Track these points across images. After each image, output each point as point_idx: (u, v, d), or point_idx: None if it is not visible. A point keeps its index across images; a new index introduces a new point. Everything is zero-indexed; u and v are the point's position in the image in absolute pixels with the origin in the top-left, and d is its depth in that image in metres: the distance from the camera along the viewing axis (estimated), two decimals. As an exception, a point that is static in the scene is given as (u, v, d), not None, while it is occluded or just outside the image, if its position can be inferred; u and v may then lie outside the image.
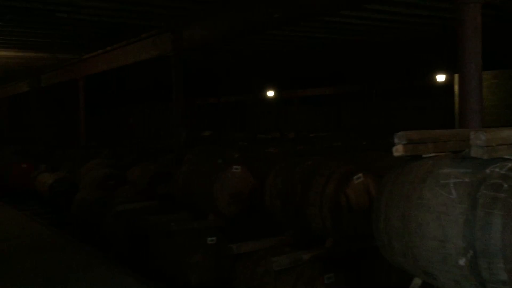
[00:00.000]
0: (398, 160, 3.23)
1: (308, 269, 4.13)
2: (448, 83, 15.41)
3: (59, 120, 26.84)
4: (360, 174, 4.47)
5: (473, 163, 2.74)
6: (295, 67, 17.63)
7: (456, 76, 8.93)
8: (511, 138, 2.79)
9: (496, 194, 2.57)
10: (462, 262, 2.63)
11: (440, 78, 17.16)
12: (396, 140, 3.01)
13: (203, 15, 8.72)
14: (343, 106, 24.23)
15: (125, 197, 7.77)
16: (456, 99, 10.29)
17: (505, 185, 2.56)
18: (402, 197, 2.96)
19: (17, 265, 6.63)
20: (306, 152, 9.73)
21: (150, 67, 13.86)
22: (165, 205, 6.92)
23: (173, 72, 9.61)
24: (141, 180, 9.06)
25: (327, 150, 10.51)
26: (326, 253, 4.40)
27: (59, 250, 7.37)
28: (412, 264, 2.97)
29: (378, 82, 20.06)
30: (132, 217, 6.54)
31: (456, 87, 10.84)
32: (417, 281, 3.12)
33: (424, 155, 3.06)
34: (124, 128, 24.71)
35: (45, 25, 9.92)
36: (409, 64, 16.61)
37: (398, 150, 3.00)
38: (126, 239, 6.61)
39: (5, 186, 13.35)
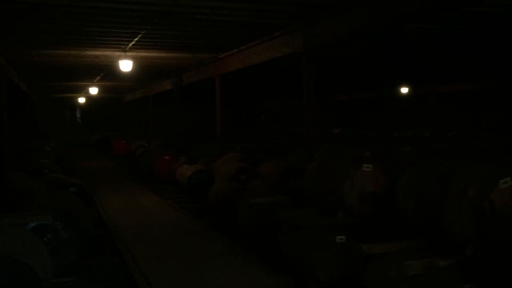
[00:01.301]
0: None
1: (446, 277, 3.90)
2: None
3: (197, 116, 28.65)
4: (508, 178, 4.09)
5: None
6: (431, 61, 16.69)
7: None
8: None
9: None
10: None
11: None
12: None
13: (335, 11, 8.64)
14: (485, 103, 22.32)
15: (256, 191, 8.04)
16: None
17: None
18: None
19: (162, 248, 7.25)
20: (443, 152, 9.18)
21: (282, 64, 14.10)
22: (295, 200, 7.02)
23: (304, 70, 9.69)
24: (272, 175, 9.32)
25: (467, 150, 9.78)
26: (465, 262, 4.11)
27: (197, 237, 7.89)
28: None
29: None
30: (264, 211, 6.74)
31: None
32: None
33: None
34: (257, 124, 25.53)
35: (186, 27, 10.58)
36: None
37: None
38: (257, 231, 6.85)
39: (151, 175, 14.67)
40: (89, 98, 31.65)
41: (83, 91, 27.69)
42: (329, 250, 5.19)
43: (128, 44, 12.39)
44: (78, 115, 35.95)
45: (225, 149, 13.88)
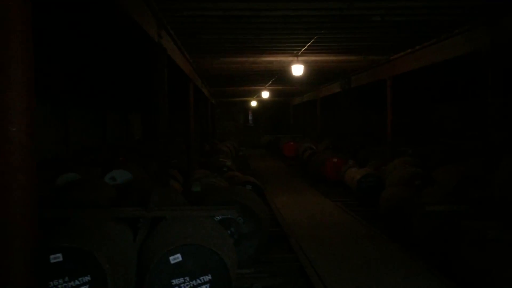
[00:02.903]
0: None
1: None
2: None
3: (363, 119, 28.22)
4: None
5: None
6: None
7: None
8: None
9: None
10: None
11: None
12: None
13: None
14: None
15: (432, 198, 7.64)
16: None
17: None
18: None
19: (333, 250, 7.34)
20: None
21: (460, 63, 13.14)
22: (478, 210, 6.50)
23: (489, 68, 8.89)
24: (449, 181, 8.77)
25: None
26: None
27: (369, 241, 7.81)
28: None
29: None
30: (442, 219, 6.38)
31: None
32: None
33: None
34: (429, 127, 24.20)
35: (359, 29, 10.52)
36: None
37: None
38: (434, 240, 6.51)
39: (319, 177, 14.93)
40: (260, 101, 33.39)
41: (255, 95, 29.31)
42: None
43: (300, 49, 12.78)
44: (250, 117, 38.20)
45: (396, 153, 13.45)
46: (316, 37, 11.03)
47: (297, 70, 13.96)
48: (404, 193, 8.46)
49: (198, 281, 4.70)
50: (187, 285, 4.69)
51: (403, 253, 7.08)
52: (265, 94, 25.83)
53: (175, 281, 4.67)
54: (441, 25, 9.90)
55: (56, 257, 4.29)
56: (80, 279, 4.32)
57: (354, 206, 10.97)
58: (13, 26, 2.93)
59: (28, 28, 3.01)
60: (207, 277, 4.74)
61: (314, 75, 18.44)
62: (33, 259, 3.12)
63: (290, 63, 14.28)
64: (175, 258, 4.66)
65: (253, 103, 33.64)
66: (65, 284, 4.29)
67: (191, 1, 7.95)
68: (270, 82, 21.91)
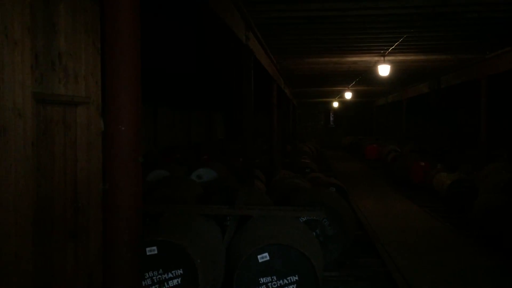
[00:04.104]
0: None
1: None
2: None
3: (453, 121, 26.87)
4: None
5: None
6: None
7: None
8: None
9: None
10: None
11: None
12: None
13: None
14: None
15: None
16: None
17: None
18: None
19: (421, 257, 7.05)
20: None
21: None
22: None
23: None
24: (553, 190, 8.11)
25: None
26: None
27: (460, 251, 7.41)
28: None
29: None
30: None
31: None
32: None
33: None
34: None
35: (452, 27, 10.03)
36: None
37: None
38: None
39: (404, 180, 14.43)
40: (342, 102, 32.90)
41: (337, 95, 28.93)
42: None
43: (387, 49, 12.42)
44: (331, 118, 37.78)
45: (490, 157, 12.67)
46: (405, 36, 10.67)
47: (384, 70, 13.58)
48: (500, 201, 7.94)
49: (285, 281, 4.72)
50: (274, 284, 4.72)
51: (498, 264, 6.64)
52: (348, 95, 25.41)
53: (262, 280, 4.71)
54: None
55: (152, 250, 4.49)
56: (173, 272, 4.50)
57: (443, 212, 10.47)
58: (123, 30, 3.11)
59: (136, 32, 3.18)
60: (294, 278, 4.74)
61: (400, 75, 17.85)
62: (138, 252, 3.29)
63: (376, 63, 13.94)
64: (263, 257, 4.71)
65: (335, 104, 33.23)
66: (159, 276, 4.48)
67: (278, 3, 7.99)
68: (353, 83, 21.52)
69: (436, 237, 8.30)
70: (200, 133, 26.35)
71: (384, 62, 13.54)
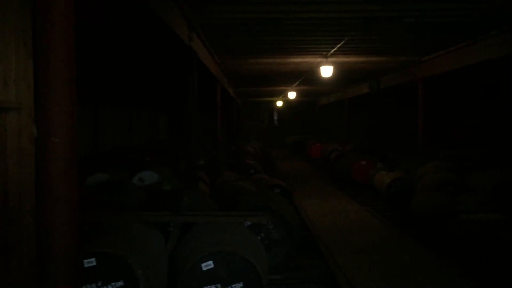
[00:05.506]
0: None
1: None
2: None
3: (392, 120, 27.78)
4: None
5: None
6: None
7: None
8: None
9: None
10: None
11: None
12: None
13: None
14: None
15: (467, 205, 7.42)
16: None
17: None
18: None
19: (365, 257, 7.20)
20: None
21: (498, 65, 12.77)
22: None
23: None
24: (485, 188, 8.52)
25: None
26: None
27: (402, 249, 7.63)
28: None
29: None
30: (480, 229, 6.18)
31: None
32: None
33: None
34: (461, 130, 23.67)
35: (390, 31, 10.34)
36: None
37: None
38: (472, 250, 6.31)
39: (347, 179, 14.74)
40: (286, 101, 33.25)
41: (281, 95, 29.20)
42: None
43: (330, 51, 12.64)
44: (275, 117, 38.10)
45: (426, 156, 13.16)
46: (346, 39, 10.89)
47: (326, 71, 13.81)
48: (436, 199, 8.25)
49: (230, 289, 4.65)
50: (219, 292, 4.64)
51: (437, 260, 6.89)
52: (292, 95, 25.70)
53: (207, 288, 4.62)
54: (476, 26, 9.65)
55: (90, 262, 4.29)
56: (113, 284, 4.32)
57: (384, 211, 10.76)
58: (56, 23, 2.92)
59: (71, 33, 3.01)
60: (239, 285, 4.67)
61: (342, 76, 18.24)
62: (75, 264, 3.12)
63: (318, 64, 14.15)
64: (207, 265, 4.62)
65: (279, 103, 33.53)
66: (98, 289, 4.29)
67: (221, 4, 7.92)
68: (297, 83, 21.79)
69: (378, 236, 8.51)
70: (143, 134, 25.77)
71: (327, 63, 13.77)
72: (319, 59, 13.88)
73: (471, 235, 6.30)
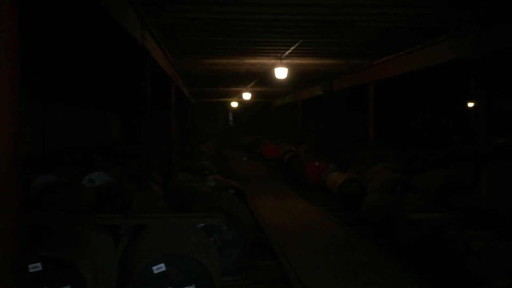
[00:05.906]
0: None
1: None
2: None
3: (345, 122, 28.37)
4: None
5: None
6: None
7: None
8: None
9: None
10: None
11: None
12: None
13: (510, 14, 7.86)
14: None
15: (415, 205, 7.67)
16: None
17: None
18: None
19: (317, 257, 7.29)
20: None
21: (444, 69, 13.26)
22: (463, 218, 6.52)
23: (474, 76, 8.98)
24: (431, 188, 8.82)
25: None
26: None
27: (353, 248, 7.78)
28: None
29: None
30: (427, 228, 6.39)
31: None
32: None
33: None
34: (408, 131, 24.45)
35: (343, 34, 10.53)
36: None
37: None
38: (419, 248, 6.51)
39: (300, 180, 14.90)
40: (241, 102, 33.27)
41: (237, 96, 29.19)
42: (508, 277, 4.72)
43: (284, 53, 12.73)
44: (230, 118, 38.05)
45: (377, 157, 13.51)
46: (300, 41, 11.00)
47: (281, 73, 13.90)
48: (386, 199, 8.47)
49: (182, 291, 4.59)
50: (170, 295, 4.57)
51: (387, 260, 7.07)
52: (247, 96, 25.74)
53: (158, 291, 4.55)
54: (425, 32, 9.97)
55: (35, 267, 4.13)
56: (60, 289, 4.18)
57: (336, 211, 10.94)
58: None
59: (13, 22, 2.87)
60: (191, 287, 4.63)
61: (296, 78, 18.42)
62: (18, 270, 2.99)
63: (273, 66, 14.23)
64: (159, 268, 4.54)
65: (234, 104, 33.51)
66: (44, 295, 4.14)
67: (175, 3, 7.81)
68: (252, 84, 21.84)
69: (330, 236, 8.64)
70: (95, 134, 25.11)
71: (281, 65, 13.86)
72: (273, 61, 13.95)
73: (419, 234, 6.50)
